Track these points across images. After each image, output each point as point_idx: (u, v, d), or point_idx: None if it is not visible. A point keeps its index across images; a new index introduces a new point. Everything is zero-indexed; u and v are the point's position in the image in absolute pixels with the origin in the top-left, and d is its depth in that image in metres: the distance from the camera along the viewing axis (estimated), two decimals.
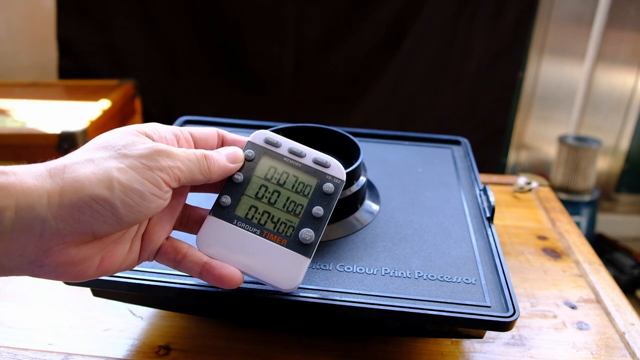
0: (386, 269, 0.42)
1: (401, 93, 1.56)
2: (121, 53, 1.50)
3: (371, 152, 0.61)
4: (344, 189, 0.46)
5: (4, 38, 1.52)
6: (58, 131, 1.03)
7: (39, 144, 1.03)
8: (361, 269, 0.41)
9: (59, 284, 0.41)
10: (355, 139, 0.49)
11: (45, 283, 0.51)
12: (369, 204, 0.49)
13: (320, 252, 0.43)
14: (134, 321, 0.46)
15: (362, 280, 0.40)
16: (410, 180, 0.55)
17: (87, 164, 0.30)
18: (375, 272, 0.41)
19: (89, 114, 1.14)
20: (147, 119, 1.51)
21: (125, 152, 0.31)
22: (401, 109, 1.59)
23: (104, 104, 1.22)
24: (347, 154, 0.50)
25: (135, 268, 0.40)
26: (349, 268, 0.42)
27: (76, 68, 1.50)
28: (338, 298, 0.38)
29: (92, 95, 1.28)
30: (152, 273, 0.40)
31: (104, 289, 0.42)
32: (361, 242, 0.45)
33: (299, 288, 0.39)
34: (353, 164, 0.46)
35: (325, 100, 1.59)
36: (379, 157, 0.60)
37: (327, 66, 1.53)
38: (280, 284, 0.35)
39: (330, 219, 0.37)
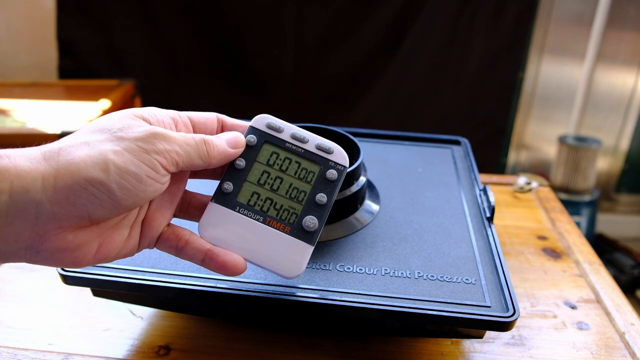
0: (386, 269, 0.42)
1: (401, 93, 1.56)
2: (121, 53, 1.50)
3: (371, 152, 0.61)
4: (344, 189, 0.46)
5: (4, 38, 1.52)
6: (58, 131, 1.03)
7: (39, 144, 1.03)
8: (361, 269, 0.41)
9: (59, 283, 0.41)
10: (355, 139, 0.49)
11: (45, 283, 0.51)
12: (369, 204, 0.49)
13: (320, 252, 0.43)
14: (134, 321, 0.46)
15: (362, 280, 0.40)
16: (410, 180, 0.55)
17: (82, 146, 0.29)
18: (375, 272, 0.41)
19: (89, 114, 1.14)
20: None
21: (121, 135, 0.30)
22: (401, 109, 1.59)
23: (104, 104, 1.22)
24: (348, 154, 0.50)
25: (135, 268, 0.40)
26: (349, 268, 0.42)
27: (76, 68, 1.49)
28: (338, 298, 0.38)
29: (92, 95, 1.28)
30: (152, 273, 0.40)
31: (104, 289, 0.42)
32: (361, 242, 0.45)
33: (299, 288, 0.39)
34: (353, 164, 0.46)
35: (325, 100, 1.59)
36: (379, 157, 0.60)
37: (327, 66, 1.53)
38: (284, 271, 0.35)
39: (330, 219, 0.37)
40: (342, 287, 0.39)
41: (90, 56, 1.50)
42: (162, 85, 1.55)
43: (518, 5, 1.46)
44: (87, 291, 0.44)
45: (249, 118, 0.39)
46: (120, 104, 1.30)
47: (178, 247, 0.34)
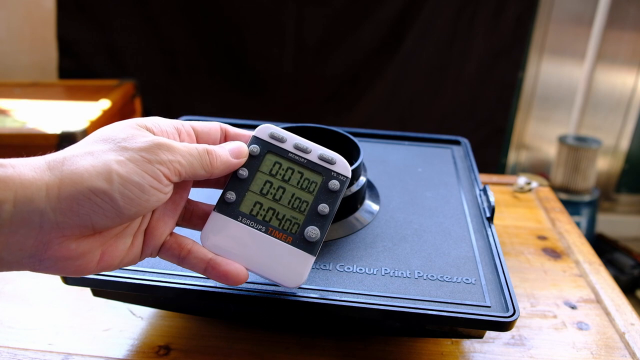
0: (386, 269, 0.42)
1: (401, 93, 1.56)
2: (121, 53, 1.50)
3: (371, 152, 0.61)
4: None
5: (4, 38, 1.52)
6: (58, 131, 1.03)
7: (39, 144, 1.03)
8: (361, 269, 0.41)
9: (59, 284, 0.41)
10: (355, 139, 0.49)
11: (45, 283, 0.51)
12: (369, 204, 0.49)
13: (320, 252, 0.43)
14: (134, 321, 0.46)
15: (362, 280, 0.40)
16: (410, 180, 0.55)
17: (86, 156, 0.29)
18: (375, 272, 0.41)
19: (89, 114, 1.14)
20: None
21: (125, 145, 0.30)
22: (401, 109, 1.59)
23: (104, 104, 1.22)
24: (347, 154, 0.50)
25: (135, 268, 0.40)
26: (349, 268, 0.42)
27: (76, 68, 1.50)
28: (338, 298, 0.38)
29: (92, 95, 1.28)
30: (152, 273, 0.40)
31: (104, 289, 0.42)
32: (361, 242, 0.45)
33: (299, 288, 0.39)
34: (353, 164, 0.46)
35: (325, 100, 1.59)
36: (379, 157, 0.60)
37: (327, 66, 1.53)
38: (285, 281, 0.35)
39: None
40: (342, 287, 0.39)
41: (90, 56, 1.50)
42: (162, 85, 1.55)
43: (518, 5, 1.46)
44: (87, 291, 0.44)
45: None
46: (120, 104, 1.30)
47: (180, 256, 0.34)
